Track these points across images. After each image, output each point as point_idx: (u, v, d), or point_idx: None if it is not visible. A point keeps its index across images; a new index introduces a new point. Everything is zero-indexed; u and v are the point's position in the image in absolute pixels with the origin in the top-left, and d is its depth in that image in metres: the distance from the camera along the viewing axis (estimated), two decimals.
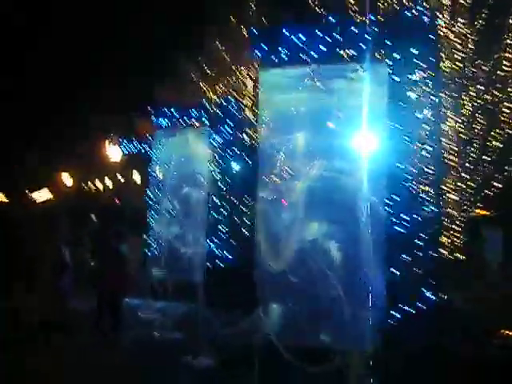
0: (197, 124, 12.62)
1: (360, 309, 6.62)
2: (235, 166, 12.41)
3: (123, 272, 8.93)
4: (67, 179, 36.32)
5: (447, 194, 11.62)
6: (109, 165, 25.71)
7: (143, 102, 15.17)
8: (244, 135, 12.71)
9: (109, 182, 32.28)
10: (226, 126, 12.23)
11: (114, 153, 23.98)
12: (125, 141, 19.10)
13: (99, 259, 8.64)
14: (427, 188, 6.98)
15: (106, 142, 24.35)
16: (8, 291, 7.22)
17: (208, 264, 11.81)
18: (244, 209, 12.51)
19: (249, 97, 13.14)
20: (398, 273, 6.54)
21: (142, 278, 11.23)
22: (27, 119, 35.02)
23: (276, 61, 7.26)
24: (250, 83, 12.90)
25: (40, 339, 8.27)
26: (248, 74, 13.70)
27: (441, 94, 7.12)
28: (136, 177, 27.33)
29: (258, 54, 7.39)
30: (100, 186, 35.81)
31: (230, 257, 12.03)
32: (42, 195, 36.42)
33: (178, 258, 11.96)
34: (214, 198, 12.17)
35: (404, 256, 6.53)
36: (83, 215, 15.96)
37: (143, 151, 14.99)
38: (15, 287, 7.39)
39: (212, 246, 12.04)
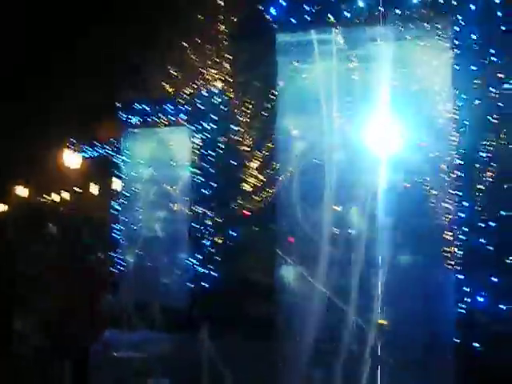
0: (173, 121, 10.93)
1: None
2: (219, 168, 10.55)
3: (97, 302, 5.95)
4: (23, 191, 33.96)
5: None
6: (69, 174, 23.64)
7: (109, 101, 13.25)
8: (230, 132, 10.89)
9: (68, 193, 30.07)
10: (208, 122, 10.47)
11: (74, 161, 22.01)
12: (88, 147, 17.06)
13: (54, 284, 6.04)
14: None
15: (67, 149, 22.23)
16: None
17: (191, 284, 10.05)
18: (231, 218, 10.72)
19: (235, 85, 11.21)
20: None
21: (112, 305, 9.27)
22: None
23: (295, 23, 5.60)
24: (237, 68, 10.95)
25: None
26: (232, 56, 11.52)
27: None
28: (100, 186, 25.28)
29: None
30: (59, 197, 33.61)
31: (216, 275, 10.26)
32: None
33: (155, 279, 10.15)
34: (196, 207, 10.39)
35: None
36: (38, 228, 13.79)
37: (109, 156, 13.22)
38: None
39: (195, 262, 10.24)
